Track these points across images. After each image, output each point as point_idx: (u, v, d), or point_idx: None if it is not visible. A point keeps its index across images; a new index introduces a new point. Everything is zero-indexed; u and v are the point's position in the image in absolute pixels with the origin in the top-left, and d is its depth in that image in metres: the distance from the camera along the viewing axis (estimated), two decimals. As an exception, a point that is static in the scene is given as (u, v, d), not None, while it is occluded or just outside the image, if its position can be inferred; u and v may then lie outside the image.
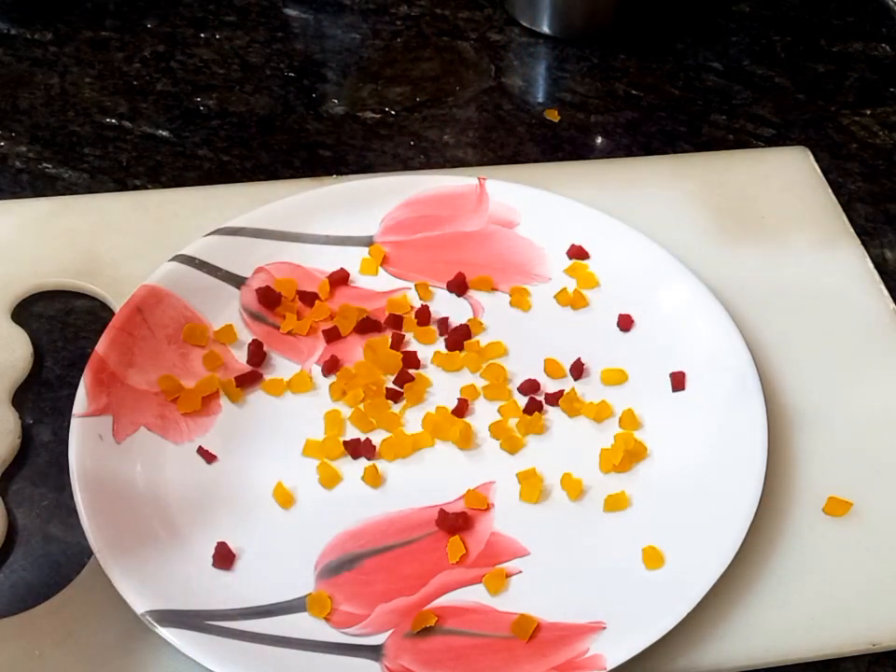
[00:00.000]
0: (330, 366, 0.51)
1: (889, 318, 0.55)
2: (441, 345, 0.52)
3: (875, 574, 0.45)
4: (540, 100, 0.68)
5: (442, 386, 0.51)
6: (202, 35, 0.71)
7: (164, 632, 0.40)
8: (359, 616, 0.43)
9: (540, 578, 0.44)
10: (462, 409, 0.49)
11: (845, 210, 0.60)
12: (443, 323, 0.53)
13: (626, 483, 0.47)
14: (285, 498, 0.46)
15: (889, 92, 0.69)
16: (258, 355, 0.51)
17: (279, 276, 0.54)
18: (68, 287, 0.54)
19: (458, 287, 0.54)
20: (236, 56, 0.70)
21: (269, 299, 0.53)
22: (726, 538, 0.43)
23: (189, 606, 0.42)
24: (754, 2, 0.75)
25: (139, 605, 0.41)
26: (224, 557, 0.44)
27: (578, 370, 0.51)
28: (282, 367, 0.51)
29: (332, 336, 0.52)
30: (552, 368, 0.51)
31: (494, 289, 0.55)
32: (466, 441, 0.48)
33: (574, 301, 0.54)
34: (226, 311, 0.53)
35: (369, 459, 0.48)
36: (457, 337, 0.52)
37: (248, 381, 0.50)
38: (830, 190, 0.61)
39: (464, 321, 0.53)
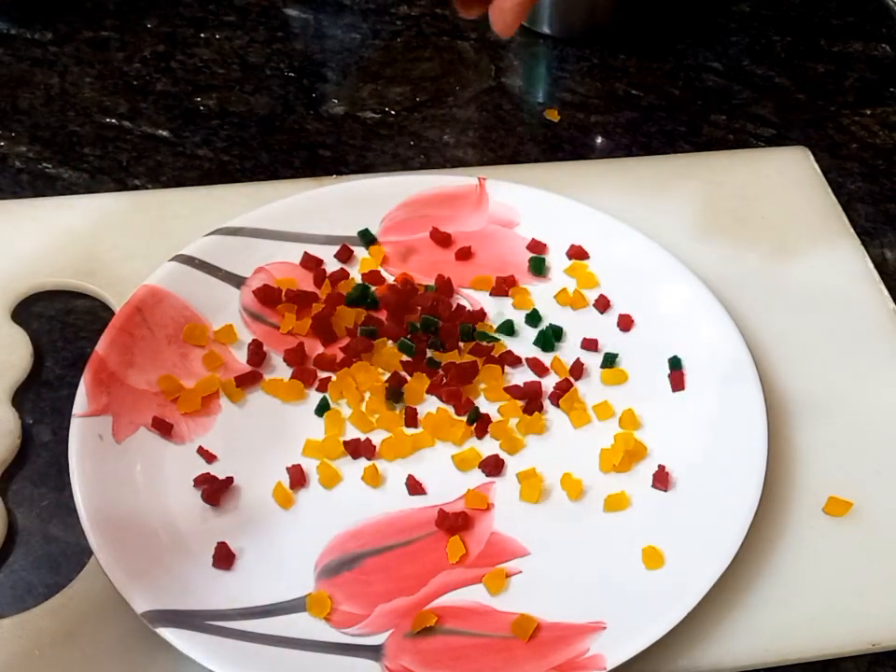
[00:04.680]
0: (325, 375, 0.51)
1: (889, 318, 0.55)
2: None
3: (875, 574, 0.45)
4: (540, 100, 0.68)
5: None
6: (202, 35, 0.71)
7: (164, 632, 0.40)
8: (359, 616, 0.43)
9: (540, 578, 0.44)
10: (468, 407, 0.49)
11: (845, 210, 0.60)
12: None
13: (626, 483, 0.47)
14: (285, 498, 0.46)
15: (889, 92, 0.69)
16: (258, 355, 0.51)
17: (279, 276, 0.54)
18: (68, 286, 0.54)
19: (445, 288, 0.54)
20: (236, 56, 0.70)
21: (269, 298, 0.53)
22: (726, 538, 0.43)
23: (189, 606, 0.42)
24: (754, 2, 0.75)
25: (139, 605, 0.41)
26: (224, 557, 0.44)
27: (578, 370, 0.51)
28: (282, 367, 0.51)
29: (330, 336, 0.52)
30: (552, 367, 0.51)
31: (494, 289, 0.55)
32: (465, 441, 0.49)
33: (574, 301, 0.54)
34: (226, 311, 0.53)
35: (369, 459, 0.48)
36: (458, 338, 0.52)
37: (248, 381, 0.50)
38: (830, 190, 0.61)
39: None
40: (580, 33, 0.71)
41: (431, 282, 0.54)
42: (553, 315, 0.53)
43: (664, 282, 0.53)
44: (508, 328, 0.52)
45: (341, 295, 0.53)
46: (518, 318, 0.53)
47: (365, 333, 0.51)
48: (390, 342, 0.52)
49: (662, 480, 0.47)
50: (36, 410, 0.50)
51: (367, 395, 0.50)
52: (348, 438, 0.48)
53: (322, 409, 0.49)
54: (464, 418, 0.49)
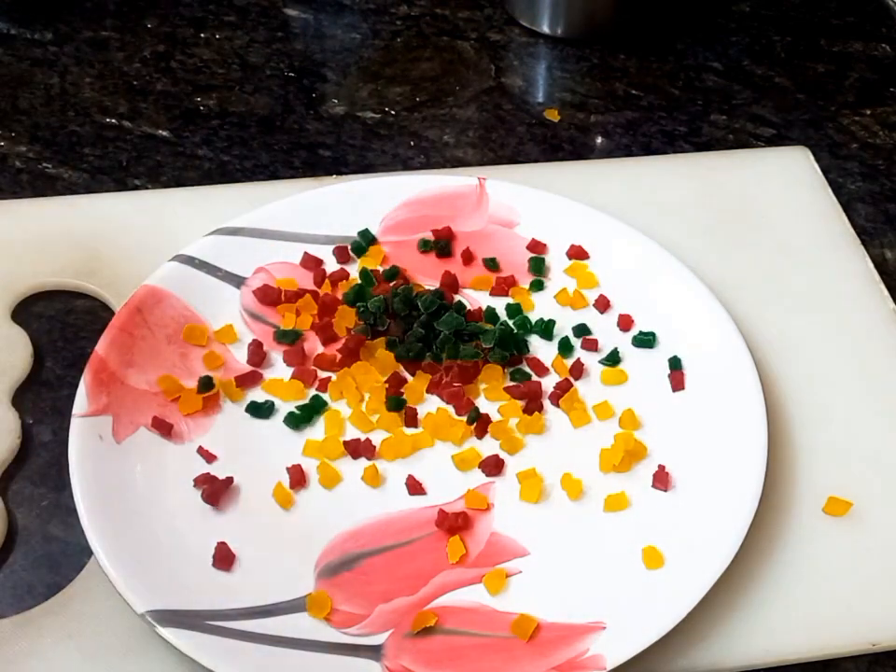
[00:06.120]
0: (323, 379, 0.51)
1: (889, 318, 0.55)
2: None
3: (875, 574, 0.45)
4: (540, 100, 0.68)
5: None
6: (202, 35, 0.71)
7: (164, 632, 0.40)
8: (359, 616, 0.43)
9: (540, 578, 0.44)
10: (468, 407, 0.49)
11: (845, 210, 0.60)
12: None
13: (626, 483, 0.47)
14: (285, 498, 0.46)
15: (889, 92, 0.69)
16: (258, 355, 0.51)
17: (279, 276, 0.54)
18: (68, 287, 0.54)
19: (450, 286, 0.54)
20: (236, 56, 0.70)
21: (269, 298, 0.53)
22: (726, 538, 0.43)
23: (189, 606, 0.42)
24: (754, 2, 0.75)
25: (139, 605, 0.41)
26: (224, 557, 0.44)
27: (578, 370, 0.51)
28: (282, 367, 0.51)
29: (330, 336, 0.52)
30: (552, 367, 0.51)
31: (494, 289, 0.55)
32: (465, 441, 0.49)
33: (574, 301, 0.54)
34: (226, 311, 0.53)
35: (369, 459, 0.48)
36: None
37: (248, 381, 0.50)
38: (830, 190, 0.61)
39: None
40: (580, 33, 0.71)
41: (429, 281, 0.54)
42: (553, 315, 0.53)
43: (664, 282, 0.53)
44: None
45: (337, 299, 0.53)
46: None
47: (359, 332, 0.51)
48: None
49: (662, 480, 0.47)
50: (36, 410, 0.50)
51: (367, 395, 0.50)
52: (348, 438, 0.48)
53: (312, 409, 0.49)
54: (464, 418, 0.49)
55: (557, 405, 0.50)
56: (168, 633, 0.40)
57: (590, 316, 0.54)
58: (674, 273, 0.53)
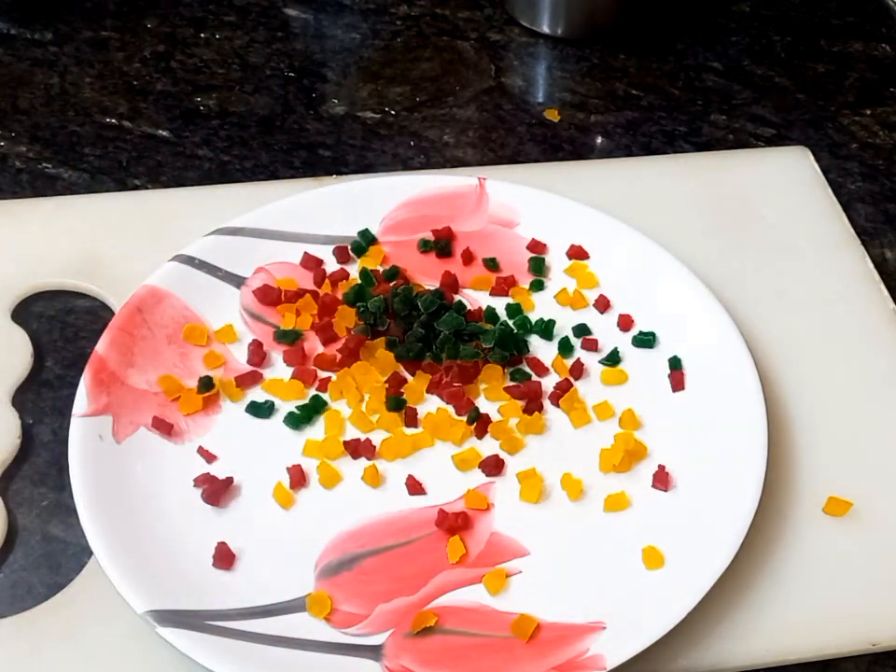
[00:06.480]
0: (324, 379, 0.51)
1: (889, 318, 0.55)
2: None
3: (874, 574, 0.45)
4: (540, 100, 0.68)
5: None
6: (202, 35, 0.71)
7: (164, 632, 0.40)
8: (359, 616, 0.43)
9: (540, 578, 0.44)
10: (468, 407, 0.49)
11: (845, 210, 0.60)
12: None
13: (626, 483, 0.47)
14: (285, 498, 0.46)
15: (889, 92, 0.69)
16: (258, 355, 0.51)
17: (279, 276, 0.54)
18: (68, 287, 0.54)
19: (450, 286, 0.54)
20: (236, 56, 0.70)
21: (269, 298, 0.53)
22: (726, 538, 0.43)
23: (189, 606, 0.42)
24: (754, 2, 0.75)
25: (139, 605, 0.41)
26: (224, 557, 0.44)
27: (578, 370, 0.51)
28: (282, 367, 0.51)
29: (330, 336, 0.52)
30: (552, 367, 0.51)
31: (494, 289, 0.55)
32: (465, 441, 0.49)
33: (574, 301, 0.54)
34: (226, 311, 0.53)
35: (369, 459, 0.48)
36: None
37: (248, 381, 0.50)
38: (830, 190, 0.61)
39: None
40: (580, 33, 0.71)
41: (429, 281, 0.54)
42: (553, 315, 0.53)
43: (664, 282, 0.53)
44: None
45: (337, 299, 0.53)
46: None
47: (359, 332, 0.51)
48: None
49: (662, 480, 0.47)
50: (36, 410, 0.50)
51: (367, 395, 0.50)
52: (348, 438, 0.48)
53: (312, 409, 0.49)
54: (464, 418, 0.49)
55: (557, 405, 0.50)
56: (168, 633, 0.40)
57: (590, 316, 0.54)
58: (674, 273, 0.53)
